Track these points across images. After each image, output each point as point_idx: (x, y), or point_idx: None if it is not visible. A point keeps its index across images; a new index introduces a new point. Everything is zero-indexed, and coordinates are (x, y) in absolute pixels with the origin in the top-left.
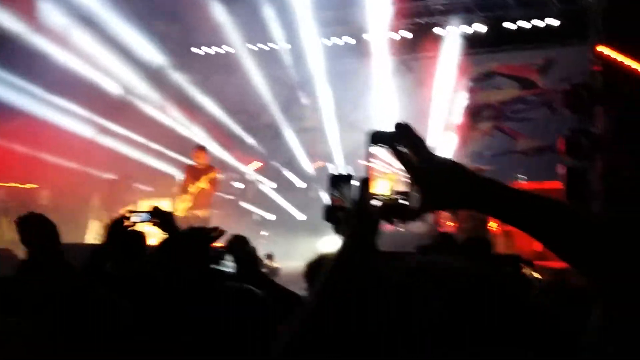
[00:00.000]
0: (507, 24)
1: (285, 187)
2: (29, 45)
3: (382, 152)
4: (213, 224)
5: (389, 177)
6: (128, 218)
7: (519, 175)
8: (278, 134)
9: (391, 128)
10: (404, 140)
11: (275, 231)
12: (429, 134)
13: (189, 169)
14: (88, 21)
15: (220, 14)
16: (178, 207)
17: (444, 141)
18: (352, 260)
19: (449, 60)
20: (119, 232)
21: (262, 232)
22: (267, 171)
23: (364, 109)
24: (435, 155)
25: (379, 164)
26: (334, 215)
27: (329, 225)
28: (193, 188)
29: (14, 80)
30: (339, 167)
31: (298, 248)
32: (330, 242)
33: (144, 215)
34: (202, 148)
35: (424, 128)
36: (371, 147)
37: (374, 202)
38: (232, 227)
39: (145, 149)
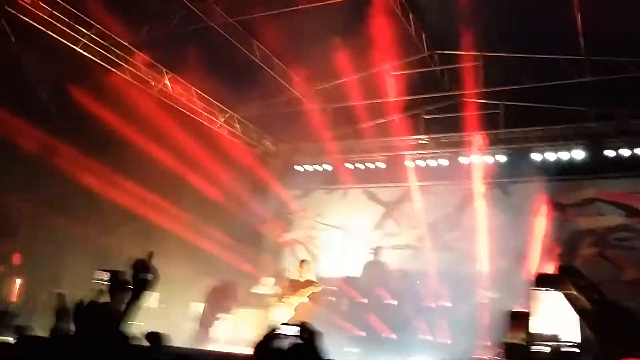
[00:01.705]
0: (605, 152)
1: (376, 304)
2: None
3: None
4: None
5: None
6: (278, 332)
7: None
8: (372, 249)
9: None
10: (571, 284)
11: (364, 347)
12: (529, 261)
13: (290, 282)
14: None
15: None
16: (275, 318)
17: (545, 269)
18: None
19: (547, 185)
20: (270, 345)
21: (354, 349)
22: (359, 285)
23: (459, 230)
24: (607, 300)
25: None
26: (510, 351)
27: (418, 346)
28: (290, 299)
29: None
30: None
31: None
32: None
33: (294, 329)
34: (305, 262)
35: (523, 254)
36: (537, 289)
37: (542, 348)
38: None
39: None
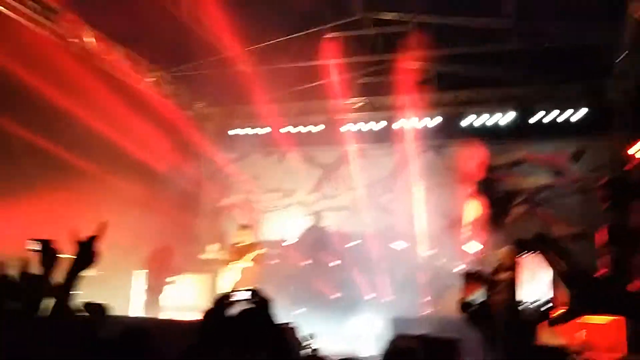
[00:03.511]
0: (534, 116)
1: (318, 265)
2: None
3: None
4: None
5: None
6: (231, 296)
7: None
8: (311, 212)
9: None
10: (548, 247)
11: (308, 309)
12: (463, 219)
13: (233, 247)
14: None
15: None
16: (222, 283)
17: (479, 226)
18: None
19: (479, 147)
20: (225, 307)
21: (299, 310)
22: (300, 248)
23: (394, 192)
24: (579, 264)
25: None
26: (468, 309)
27: (361, 306)
28: (235, 264)
29: None
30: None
31: (333, 327)
32: (363, 322)
33: (245, 295)
34: (246, 226)
35: (455, 211)
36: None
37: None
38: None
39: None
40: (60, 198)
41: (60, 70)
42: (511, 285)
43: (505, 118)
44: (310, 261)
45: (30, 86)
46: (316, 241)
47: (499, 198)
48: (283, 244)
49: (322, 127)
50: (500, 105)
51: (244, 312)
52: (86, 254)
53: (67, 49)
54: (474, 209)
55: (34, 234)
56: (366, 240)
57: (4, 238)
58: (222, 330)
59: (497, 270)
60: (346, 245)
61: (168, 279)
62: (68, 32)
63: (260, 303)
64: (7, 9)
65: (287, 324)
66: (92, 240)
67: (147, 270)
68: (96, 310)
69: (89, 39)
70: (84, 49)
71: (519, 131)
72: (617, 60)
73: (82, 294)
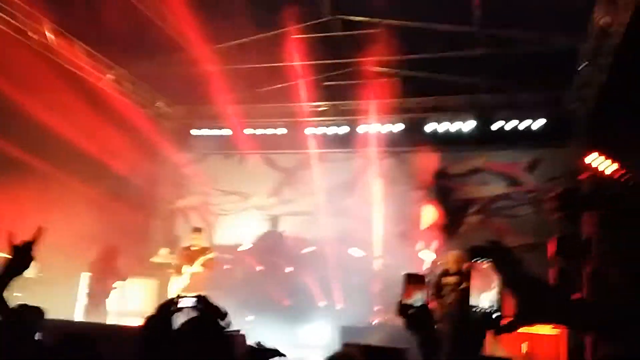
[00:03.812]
0: (494, 124)
1: (272, 271)
2: None
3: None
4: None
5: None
6: (176, 303)
7: None
8: (268, 216)
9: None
10: (500, 256)
11: (259, 315)
12: (418, 226)
13: (184, 250)
14: None
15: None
16: (171, 288)
17: (432, 234)
18: None
19: (436, 155)
20: (169, 315)
21: (248, 317)
22: (255, 253)
23: (354, 197)
24: (530, 273)
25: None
26: (406, 312)
27: (313, 313)
28: (184, 269)
29: None
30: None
31: (281, 336)
32: (313, 332)
33: (191, 302)
34: (198, 230)
35: (412, 219)
36: (473, 261)
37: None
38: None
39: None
40: (7, 196)
41: (16, 65)
42: (457, 290)
43: (466, 125)
44: (264, 267)
45: None
46: (271, 246)
47: (454, 206)
48: (238, 249)
49: (284, 130)
50: (463, 112)
51: (189, 320)
52: (21, 258)
53: (24, 44)
54: (430, 215)
55: None
56: (323, 246)
57: None
58: (166, 338)
59: (443, 274)
60: (302, 251)
61: (112, 283)
62: (26, 26)
63: (207, 310)
64: None
65: (235, 331)
66: (28, 245)
67: (91, 273)
68: (32, 312)
69: (48, 34)
70: (42, 44)
71: (479, 139)
72: (578, 69)
73: (24, 296)
